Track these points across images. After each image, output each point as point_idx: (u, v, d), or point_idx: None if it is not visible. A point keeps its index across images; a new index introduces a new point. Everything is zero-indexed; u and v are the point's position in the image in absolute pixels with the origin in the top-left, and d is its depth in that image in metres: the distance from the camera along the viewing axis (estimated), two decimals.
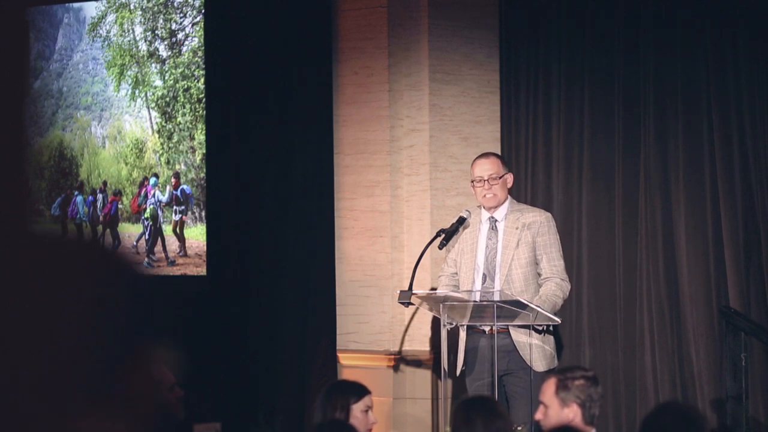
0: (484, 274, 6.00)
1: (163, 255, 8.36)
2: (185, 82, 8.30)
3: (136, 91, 8.52)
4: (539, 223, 6.02)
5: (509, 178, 6.10)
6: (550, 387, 4.33)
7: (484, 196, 6.02)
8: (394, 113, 7.14)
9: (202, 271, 8.16)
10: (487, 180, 6.01)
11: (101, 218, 8.65)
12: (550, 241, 6.01)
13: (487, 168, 6.04)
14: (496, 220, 6.06)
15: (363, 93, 7.20)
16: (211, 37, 8.13)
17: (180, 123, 8.33)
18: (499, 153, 7.05)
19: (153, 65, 8.45)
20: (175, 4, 8.38)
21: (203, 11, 8.23)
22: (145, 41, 8.47)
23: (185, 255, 8.27)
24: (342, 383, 5.20)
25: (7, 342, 1.51)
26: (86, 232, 8.68)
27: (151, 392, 1.70)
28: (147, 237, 8.46)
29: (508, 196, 6.11)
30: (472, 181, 6.08)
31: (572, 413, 4.26)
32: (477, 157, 6.17)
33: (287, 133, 7.78)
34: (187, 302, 8.07)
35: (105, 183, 8.66)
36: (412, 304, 5.92)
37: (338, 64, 7.30)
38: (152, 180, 8.44)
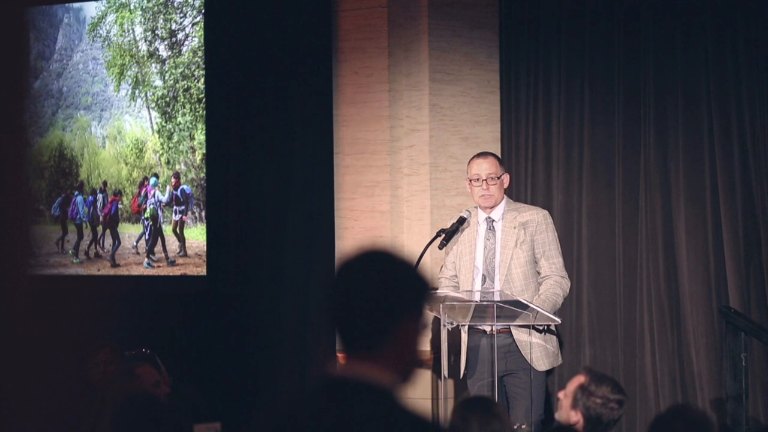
0: (483, 274, 6.00)
1: (163, 255, 8.36)
2: (185, 82, 8.30)
3: (136, 91, 8.52)
4: (537, 221, 6.01)
5: (506, 179, 6.09)
6: (576, 381, 4.30)
7: (482, 195, 6.01)
8: (394, 113, 7.14)
9: (202, 271, 8.16)
10: (486, 180, 6.00)
11: (101, 218, 8.65)
12: (548, 239, 6.01)
13: (485, 167, 6.03)
14: (493, 221, 6.05)
15: (363, 93, 7.20)
16: (211, 37, 8.12)
17: (180, 123, 8.33)
18: (499, 153, 7.06)
19: (153, 65, 8.45)
20: (175, 4, 8.37)
21: (203, 11, 8.22)
22: (145, 41, 8.47)
23: (185, 255, 8.27)
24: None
25: None
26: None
27: None
28: (147, 237, 8.46)
29: (505, 196, 6.10)
30: (469, 180, 6.07)
31: (576, 418, 4.26)
32: (475, 156, 6.16)
33: (287, 133, 7.78)
34: (187, 302, 8.07)
35: (105, 183, 8.66)
36: None
37: (338, 64, 7.30)
38: (152, 180, 8.44)
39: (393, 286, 2.35)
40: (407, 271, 2.40)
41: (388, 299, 2.33)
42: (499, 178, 6.02)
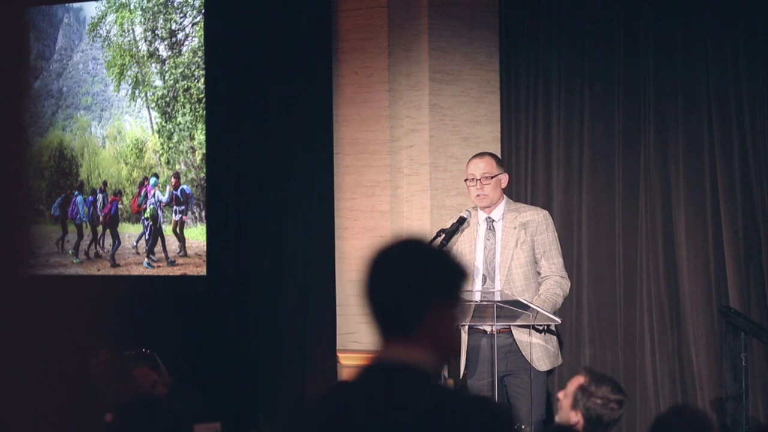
0: (484, 275, 6.00)
1: (163, 255, 8.36)
2: (185, 82, 8.30)
3: (136, 91, 8.52)
4: (537, 222, 6.02)
5: (504, 179, 6.08)
6: (576, 381, 4.29)
7: (477, 195, 6.02)
8: (394, 113, 7.14)
9: (202, 271, 8.16)
10: (480, 179, 6.01)
11: (101, 218, 8.65)
12: (548, 239, 6.01)
13: (480, 167, 6.04)
14: (493, 221, 6.05)
15: (363, 93, 7.20)
16: (211, 37, 8.12)
17: (180, 123, 8.33)
18: (499, 153, 7.05)
19: (153, 65, 8.45)
20: (175, 4, 8.38)
21: (203, 11, 8.22)
22: (145, 41, 8.47)
23: (185, 255, 8.27)
24: None
25: None
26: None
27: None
28: (147, 237, 8.46)
29: (504, 196, 6.10)
30: (466, 180, 6.09)
31: (576, 418, 4.26)
32: (473, 156, 6.17)
33: (287, 133, 7.78)
34: (187, 302, 8.07)
35: (105, 183, 8.66)
36: None
37: (338, 64, 7.30)
38: (152, 180, 8.44)
39: (426, 271, 2.39)
40: (438, 255, 2.46)
41: (422, 283, 2.38)
42: (493, 177, 6.01)
